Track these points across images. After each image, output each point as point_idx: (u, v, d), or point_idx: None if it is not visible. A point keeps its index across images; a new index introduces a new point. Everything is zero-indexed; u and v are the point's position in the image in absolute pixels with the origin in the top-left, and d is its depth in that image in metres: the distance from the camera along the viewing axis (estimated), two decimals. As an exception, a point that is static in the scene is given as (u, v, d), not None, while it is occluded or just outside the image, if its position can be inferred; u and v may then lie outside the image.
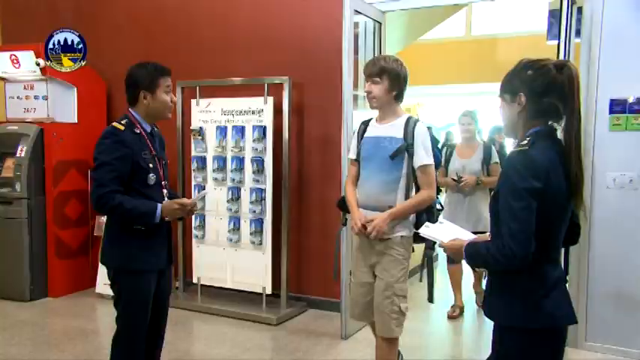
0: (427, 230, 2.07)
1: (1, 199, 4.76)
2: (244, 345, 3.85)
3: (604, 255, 3.65)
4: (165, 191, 2.58)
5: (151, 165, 2.49)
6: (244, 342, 3.91)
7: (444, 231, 2.03)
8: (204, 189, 4.62)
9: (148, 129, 2.56)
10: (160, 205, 2.45)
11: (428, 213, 2.72)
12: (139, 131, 2.50)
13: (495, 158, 4.40)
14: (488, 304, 1.82)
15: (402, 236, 2.70)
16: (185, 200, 2.54)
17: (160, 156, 2.60)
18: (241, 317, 4.32)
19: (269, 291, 4.44)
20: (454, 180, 4.31)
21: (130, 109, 2.55)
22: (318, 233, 4.54)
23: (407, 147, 2.66)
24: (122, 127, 2.45)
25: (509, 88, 1.77)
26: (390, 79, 2.68)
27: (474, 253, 1.76)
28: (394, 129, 2.72)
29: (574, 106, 1.68)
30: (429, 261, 2.76)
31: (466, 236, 1.93)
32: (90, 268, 5.08)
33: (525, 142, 1.69)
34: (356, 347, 3.79)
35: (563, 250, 3.35)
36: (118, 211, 2.40)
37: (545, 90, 1.70)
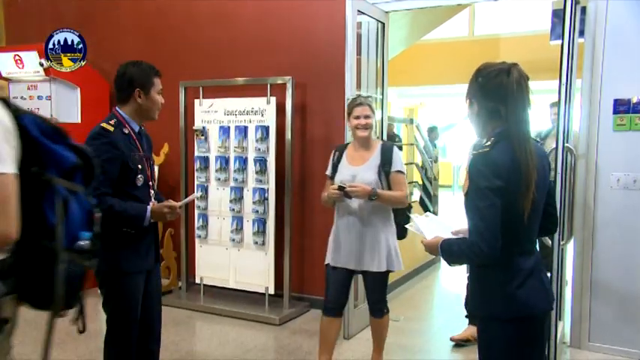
0: (415, 220, 2.10)
1: (5, 199, 4.77)
2: (247, 345, 3.85)
3: (608, 255, 3.64)
4: (152, 192, 2.54)
5: (139, 166, 2.45)
6: (247, 342, 3.91)
7: (429, 226, 2.06)
8: (206, 190, 4.63)
9: (136, 129, 2.51)
10: (149, 208, 2.41)
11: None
12: (127, 131, 2.44)
13: (398, 165, 3.05)
14: (471, 297, 1.99)
15: None
16: (175, 203, 2.49)
17: (147, 156, 2.56)
18: (244, 317, 4.32)
19: (272, 291, 4.44)
20: (339, 188, 2.94)
21: (117, 108, 2.48)
22: (320, 233, 4.52)
23: None
24: (111, 128, 2.38)
25: (467, 93, 1.91)
26: None
27: (448, 251, 1.86)
28: None
29: (524, 104, 1.79)
30: (49, 325, 1.65)
31: (448, 232, 1.99)
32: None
33: (489, 142, 1.79)
34: (359, 347, 3.79)
35: (562, 248, 3.35)
36: (107, 214, 2.33)
37: (494, 94, 1.81)
